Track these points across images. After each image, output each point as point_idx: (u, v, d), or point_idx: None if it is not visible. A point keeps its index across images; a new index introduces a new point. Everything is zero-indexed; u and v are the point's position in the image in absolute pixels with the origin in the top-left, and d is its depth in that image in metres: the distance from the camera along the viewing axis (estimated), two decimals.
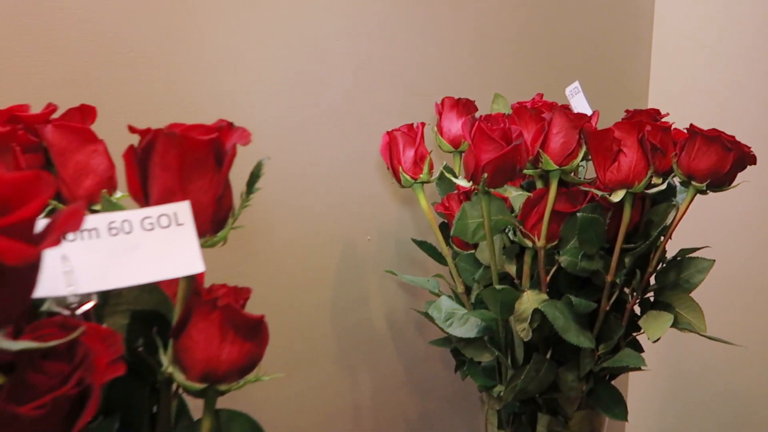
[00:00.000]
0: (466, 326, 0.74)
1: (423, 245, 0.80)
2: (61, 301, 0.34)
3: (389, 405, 0.95)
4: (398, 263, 0.90)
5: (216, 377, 0.38)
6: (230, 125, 0.41)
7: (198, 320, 0.38)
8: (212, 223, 0.40)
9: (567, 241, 0.69)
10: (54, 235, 0.26)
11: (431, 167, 0.75)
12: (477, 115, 0.80)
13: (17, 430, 0.27)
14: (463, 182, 0.66)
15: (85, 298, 0.34)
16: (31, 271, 0.26)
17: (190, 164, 0.38)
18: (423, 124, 0.76)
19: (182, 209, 0.38)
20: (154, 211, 0.37)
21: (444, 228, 0.78)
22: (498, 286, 0.68)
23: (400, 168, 0.74)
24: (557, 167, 0.67)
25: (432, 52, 0.91)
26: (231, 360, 0.38)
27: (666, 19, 1.20)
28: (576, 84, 0.78)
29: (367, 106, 0.85)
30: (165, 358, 0.39)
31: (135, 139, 0.40)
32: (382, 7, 0.84)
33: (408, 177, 0.74)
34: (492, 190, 0.66)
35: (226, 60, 0.73)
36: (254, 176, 0.43)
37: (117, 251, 0.35)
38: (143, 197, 0.39)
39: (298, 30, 0.78)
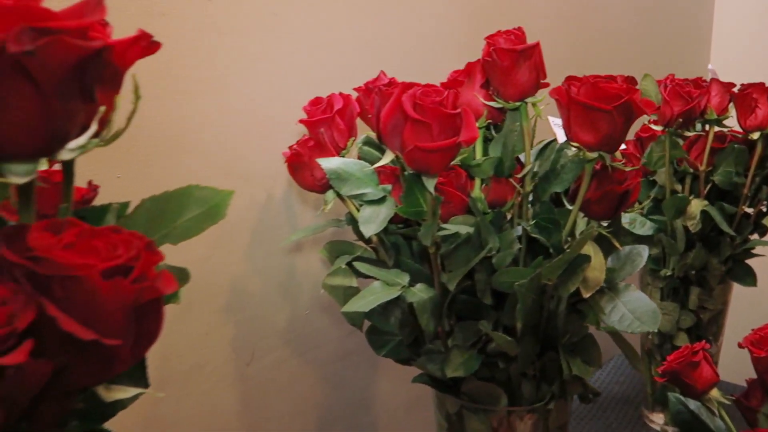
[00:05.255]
0: (644, 228, 1.09)
1: None
2: None
3: None
4: None
5: None
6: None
7: None
8: None
9: (719, 167, 1.05)
10: None
11: None
12: None
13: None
14: (656, 127, 1.02)
15: None
16: None
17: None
18: None
19: None
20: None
21: None
22: (678, 195, 1.04)
23: None
24: (717, 117, 1.03)
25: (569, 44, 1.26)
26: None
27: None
28: (711, 65, 1.14)
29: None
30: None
31: None
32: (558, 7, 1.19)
33: None
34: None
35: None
36: None
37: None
38: None
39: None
